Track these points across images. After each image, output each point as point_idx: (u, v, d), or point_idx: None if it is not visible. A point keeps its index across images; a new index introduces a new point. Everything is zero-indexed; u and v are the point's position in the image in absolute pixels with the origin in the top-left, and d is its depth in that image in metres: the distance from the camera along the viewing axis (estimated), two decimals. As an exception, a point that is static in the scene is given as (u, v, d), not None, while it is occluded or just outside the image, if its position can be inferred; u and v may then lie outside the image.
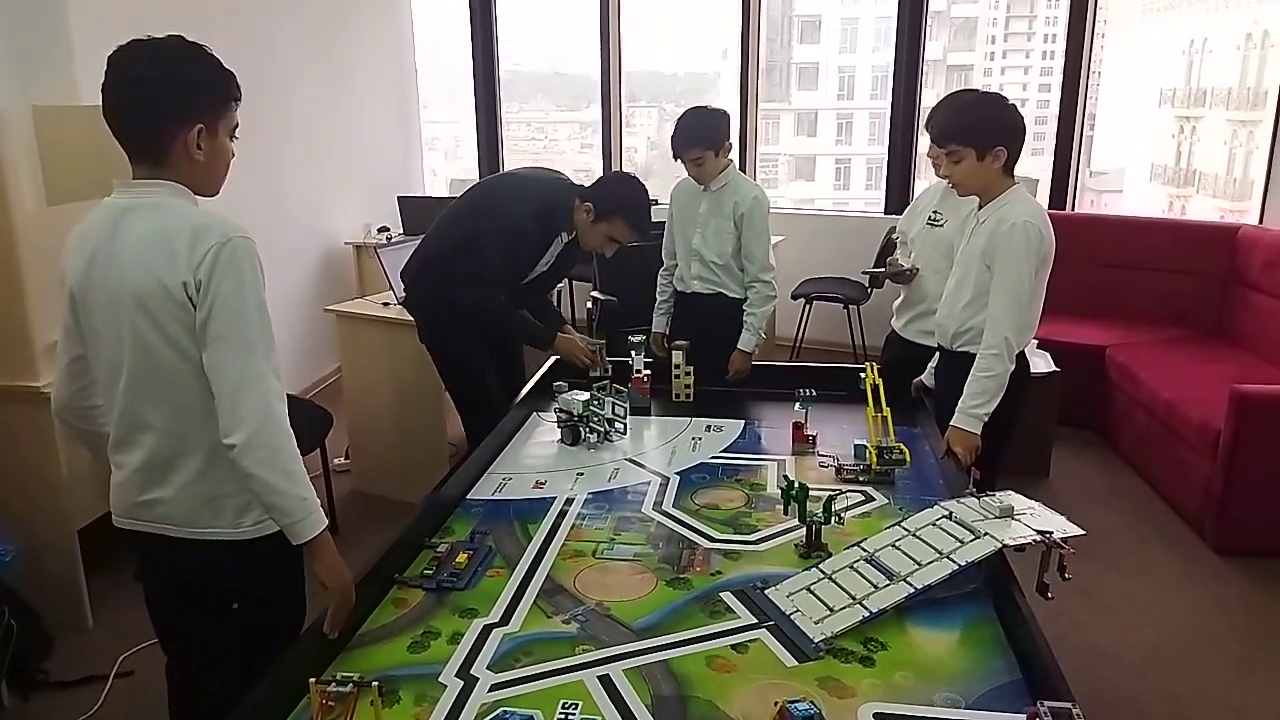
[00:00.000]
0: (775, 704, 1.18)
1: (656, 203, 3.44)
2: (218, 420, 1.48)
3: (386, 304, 3.66)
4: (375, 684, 1.24)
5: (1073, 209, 5.16)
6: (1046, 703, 0.94)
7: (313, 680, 1.25)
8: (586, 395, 2.47)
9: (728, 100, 5.94)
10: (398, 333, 3.52)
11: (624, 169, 6.37)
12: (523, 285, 2.89)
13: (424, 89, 6.42)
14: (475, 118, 6.47)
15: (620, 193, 2.81)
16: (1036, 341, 3.83)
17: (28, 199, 2.59)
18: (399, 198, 5.36)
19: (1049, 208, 5.09)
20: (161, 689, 2.06)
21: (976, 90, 2.41)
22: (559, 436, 2.46)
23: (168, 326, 1.49)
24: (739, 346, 3.01)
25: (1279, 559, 3.15)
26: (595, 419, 2.42)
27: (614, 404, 2.47)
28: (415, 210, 5.22)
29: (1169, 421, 3.54)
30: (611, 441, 2.43)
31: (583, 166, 6.96)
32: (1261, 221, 4.41)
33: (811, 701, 1.16)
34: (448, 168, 7.15)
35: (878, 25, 9.10)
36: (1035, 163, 5.45)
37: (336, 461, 3.79)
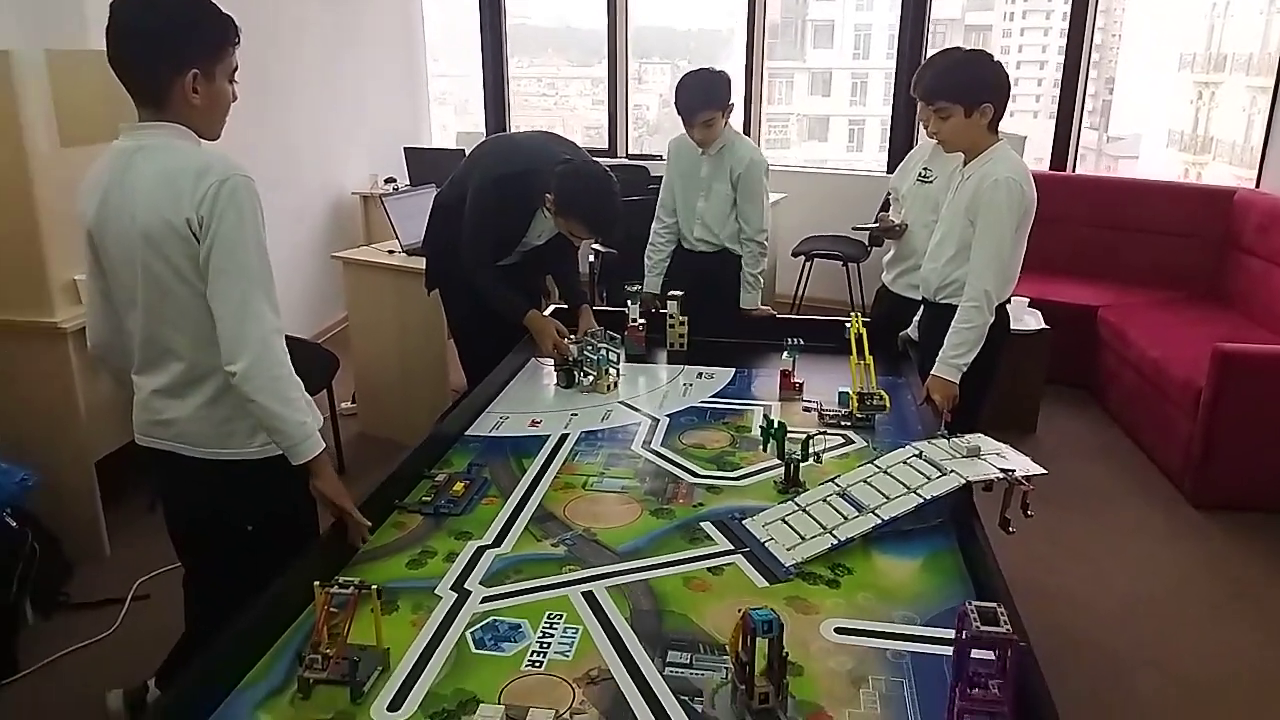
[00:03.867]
0: (739, 611, 1.28)
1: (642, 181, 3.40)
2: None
3: (392, 251, 3.75)
4: (375, 588, 1.35)
5: (1073, 170, 5.19)
6: (974, 602, 1.04)
7: (317, 583, 1.36)
8: (579, 342, 2.58)
9: (740, 58, 5.95)
10: (403, 280, 3.61)
11: (629, 128, 6.39)
12: (528, 257, 2.86)
13: (433, 42, 6.44)
14: (482, 72, 6.49)
15: (577, 193, 2.56)
16: (1028, 300, 3.91)
17: (42, 141, 2.66)
18: (405, 149, 5.42)
19: (1049, 169, 5.13)
20: (176, 611, 2.20)
21: (963, 48, 2.46)
22: (555, 380, 2.56)
23: (175, 260, 1.59)
24: (741, 305, 3.11)
25: (1255, 513, 3.25)
26: (589, 363, 2.53)
27: (607, 349, 2.56)
28: (421, 162, 5.27)
29: (1155, 380, 3.62)
30: (610, 391, 2.50)
31: (594, 124, 6.98)
32: (1259, 185, 4.44)
33: (772, 609, 1.26)
34: (457, 122, 7.18)
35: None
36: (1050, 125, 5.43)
37: (343, 405, 3.90)
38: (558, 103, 8.73)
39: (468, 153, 5.14)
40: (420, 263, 3.45)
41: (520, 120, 6.77)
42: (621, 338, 2.67)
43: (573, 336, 2.64)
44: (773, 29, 6.25)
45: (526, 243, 2.80)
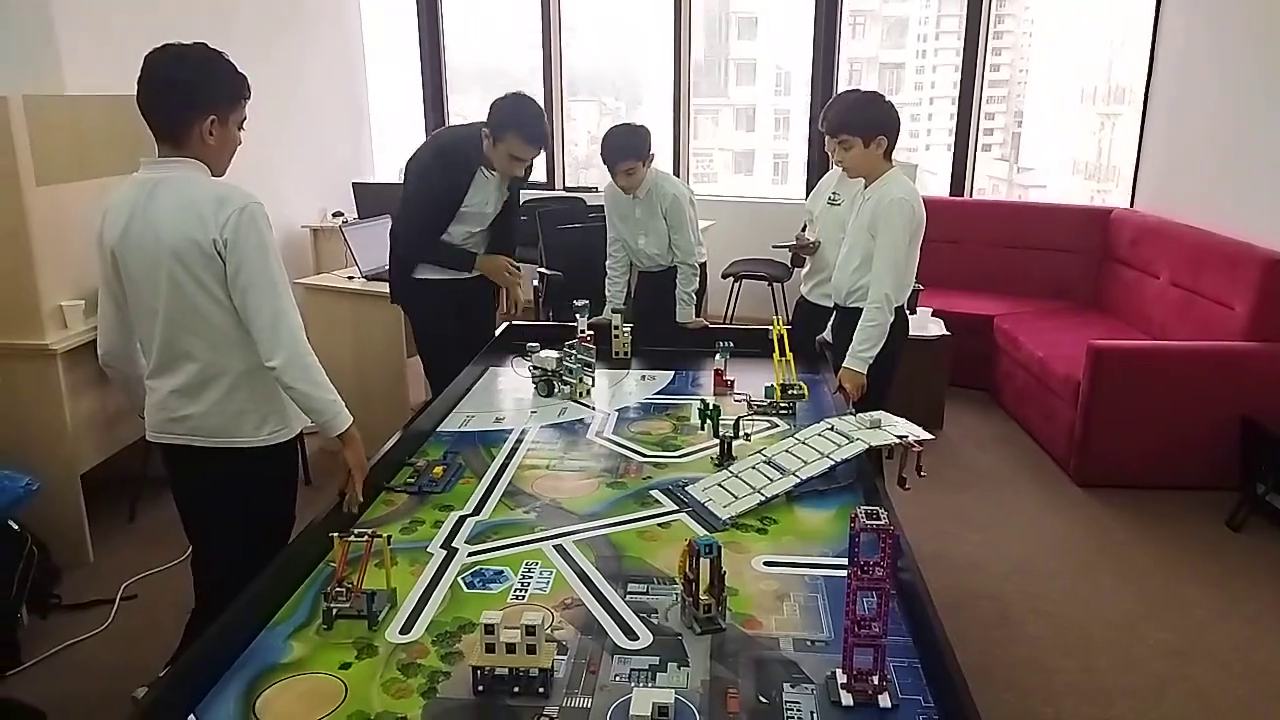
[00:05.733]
0: (686, 541, 1.59)
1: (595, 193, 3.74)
2: (247, 350, 1.88)
3: (351, 278, 4.01)
4: (387, 536, 1.63)
5: (970, 195, 5.70)
6: (862, 506, 1.36)
7: (335, 534, 1.63)
8: (559, 354, 2.77)
9: (665, 95, 6.38)
10: (363, 304, 3.87)
11: (564, 164, 6.76)
12: (481, 238, 3.16)
13: (373, 81, 6.72)
14: (423, 109, 6.79)
15: (507, 111, 2.90)
16: (932, 310, 4.35)
17: (27, 180, 2.88)
18: (354, 184, 5.67)
19: (950, 195, 5.64)
20: (163, 608, 2.40)
21: (861, 90, 2.87)
22: (535, 390, 2.76)
23: (199, 274, 1.87)
24: (678, 319, 3.46)
25: (1127, 489, 3.71)
26: (567, 373, 2.74)
27: (583, 361, 2.77)
28: (369, 195, 5.53)
29: (1042, 377, 4.08)
30: (585, 397, 2.69)
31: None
32: (1132, 205, 4.99)
33: (713, 537, 1.57)
34: (399, 159, 7.44)
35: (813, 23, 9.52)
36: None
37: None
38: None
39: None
40: (379, 287, 3.73)
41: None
42: (592, 349, 2.83)
43: (551, 351, 2.80)
44: (697, 67, 6.67)
45: (472, 208, 3.07)
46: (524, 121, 2.90)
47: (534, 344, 2.87)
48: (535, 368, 2.76)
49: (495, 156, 2.97)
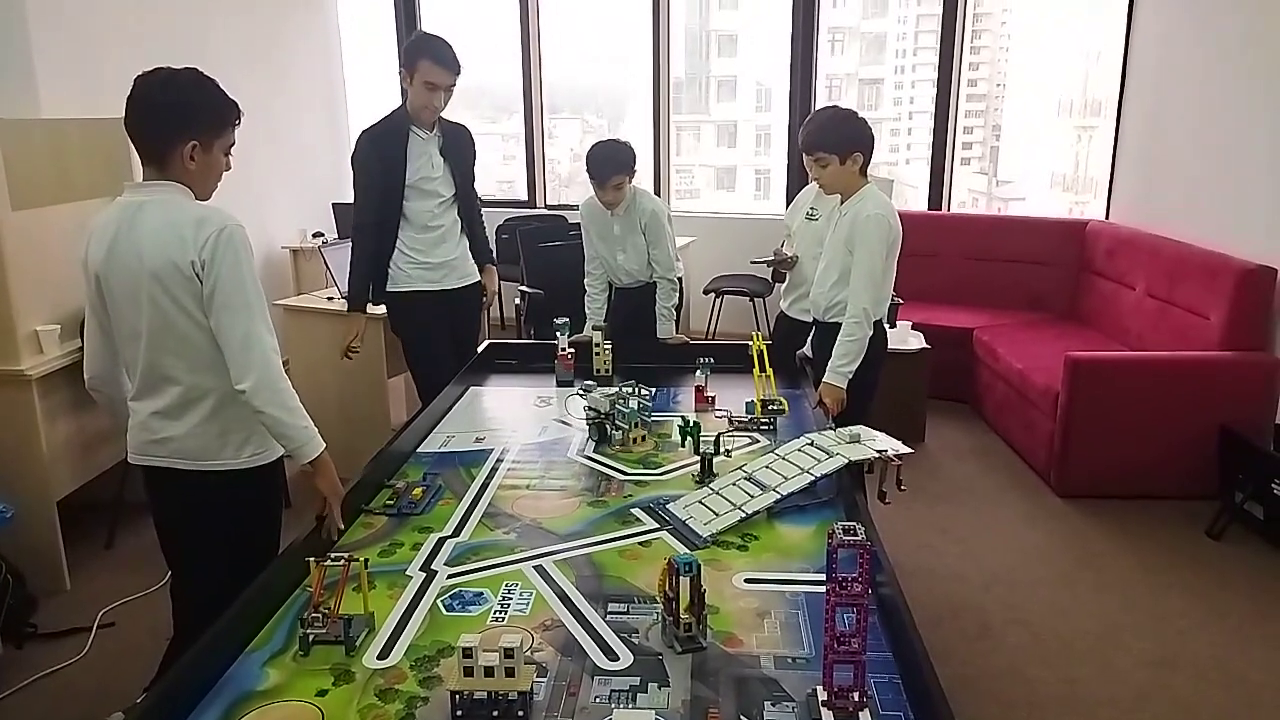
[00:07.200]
0: (666, 559, 1.59)
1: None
2: (226, 371, 1.85)
3: (331, 298, 3.99)
4: (364, 559, 1.62)
5: (948, 209, 5.75)
6: (840, 523, 1.37)
7: (312, 559, 1.62)
8: (614, 392, 2.51)
9: (647, 112, 6.41)
10: (343, 325, 3.83)
11: (546, 180, 6.78)
12: (450, 206, 3.27)
13: (353, 102, 6.72)
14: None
15: (414, 42, 3.09)
16: (911, 324, 4.38)
17: (2, 204, 2.86)
18: (333, 204, 5.66)
19: (927, 209, 5.69)
20: (141, 636, 2.36)
21: (837, 107, 2.89)
22: (587, 434, 2.52)
23: (178, 296, 1.86)
24: (658, 335, 3.46)
25: (1107, 500, 3.73)
26: (620, 416, 2.47)
27: (640, 403, 2.50)
28: (349, 216, 5.50)
29: (1021, 388, 4.11)
30: (640, 442, 2.46)
31: (505, 178, 7.29)
32: (1108, 217, 5.05)
33: (692, 555, 1.57)
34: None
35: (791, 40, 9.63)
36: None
37: (285, 446, 4.08)
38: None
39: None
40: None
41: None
42: (651, 391, 2.62)
43: (604, 391, 2.56)
44: (677, 84, 6.71)
45: (419, 176, 3.16)
46: (431, 46, 3.04)
47: (589, 382, 2.74)
48: (590, 409, 2.50)
49: (414, 96, 3.08)
